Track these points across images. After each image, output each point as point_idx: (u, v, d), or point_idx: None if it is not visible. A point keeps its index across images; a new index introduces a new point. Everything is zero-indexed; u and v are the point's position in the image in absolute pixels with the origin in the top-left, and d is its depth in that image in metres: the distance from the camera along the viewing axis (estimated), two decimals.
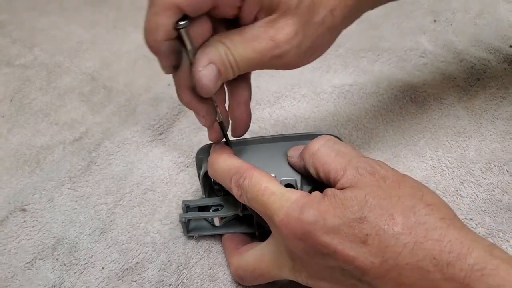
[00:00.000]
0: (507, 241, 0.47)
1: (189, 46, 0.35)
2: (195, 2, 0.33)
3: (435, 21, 0.74)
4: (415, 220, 0.32)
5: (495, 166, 0.53)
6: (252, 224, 0.45)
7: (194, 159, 0.53)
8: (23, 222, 0.49)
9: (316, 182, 0.40)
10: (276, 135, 0.45)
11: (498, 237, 0.47)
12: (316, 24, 0.37)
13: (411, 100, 0.61)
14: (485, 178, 0.52)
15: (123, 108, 0.61)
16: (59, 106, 0.62)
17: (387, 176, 0.35)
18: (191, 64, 0.35)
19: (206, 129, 0.51)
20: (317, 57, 0.40)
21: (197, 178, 0.48)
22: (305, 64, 0.39)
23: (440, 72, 0.66)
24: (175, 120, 0.58)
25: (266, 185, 0.37)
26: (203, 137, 0.56)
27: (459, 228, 0.33)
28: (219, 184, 0.43)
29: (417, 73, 0.65)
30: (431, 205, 0.34)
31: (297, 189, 0.41)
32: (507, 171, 0.53)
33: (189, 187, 0.52)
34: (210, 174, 0.42)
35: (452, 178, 0.52)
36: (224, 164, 0.40)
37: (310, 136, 0.44)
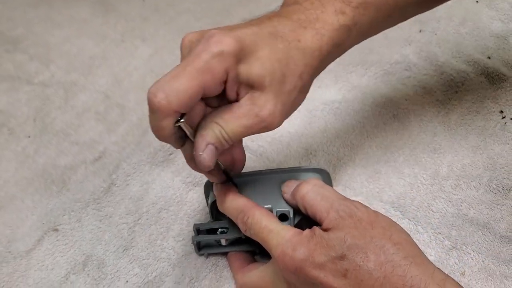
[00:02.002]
0: (469, 253, 0.55)
1: (188, 132, 0.43)
2: (188, 103, 0.39)
3: (420, 31, 0.80)
4: (384, 258, 0.41)
5: (464, 182, 0.61)
6: (253, 243, 0.53)
7: (201, 178, 0.61)
8: (56, 241, 0.57)
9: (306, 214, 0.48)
10: (271, 169, 0.53)
11: (461, 250, 0.55)
12: (289, 91, 0.43)
13: (394, 116, 0.68)
14: (454, 194, 0.60)
15: (135, 127, 0.68)
16: (78, 125, 0.69)
17: (363, 218, 0.43)
18: (193, 142, 0.43)
19: None
20: (289, 115, 0.46)
21: (204, 197, 0.56)
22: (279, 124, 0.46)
23: (421, 85, 0.72)
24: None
25: (265, 224, 0.45)
26: None
27: (419, 264, 0.41)
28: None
29: (401, 87, 0.72)
30: (398, 244, 0.42)
31: (290, 218, 0.49)
32: (474, 187, 0.60)
33: (197, 205, 0.60)
34: (220, 210, 0.50)
35: (426, 194, 0.60)
36: (231, 204, 0.49)
37: (302, 171, 0.53)
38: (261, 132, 0.45)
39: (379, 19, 0.49)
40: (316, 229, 0.43)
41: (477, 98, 0.70)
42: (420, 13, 0.56)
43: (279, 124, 0.44)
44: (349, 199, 0.46)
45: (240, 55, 0.40)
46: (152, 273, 0.55)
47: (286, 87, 0.43)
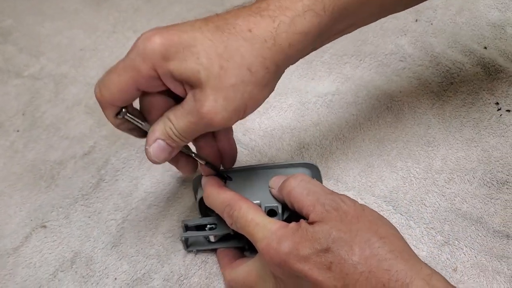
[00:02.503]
0: (461, 249, 0.54)
1: (140, 125, 0.45)
2: (120, 97, 0.42)
3: (416, 20, 0.78)
4: (369, 252, 0.40)
5: (457, 176, 0.60)
6: (242, 239, 0.52)
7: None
8: (44, 237, 0.57)
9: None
10: (261, 164, 0.52)
11: (454, 245, 0.55)
12: (234, 86, 0.41)
13: (387, 108, 0.67)
14: (448, 188, 0.59)
15: None
16: (68, 119, 0.68)
17: (349, 211, 0.43)
18: None
19: None
20: (254, 109, 0.44)
21: (194, 194, 0.55)
22: (245, 117, 0.44)
23: (416, 76, 0.71)
24: None
25: (252, 217, 0.45)
26: None
27: (406, 259, 0.40)
28: None
29: (395, 78, 0.71)
30: (384, 238, 0.41)
31: (278, 213, 0.48)
32: (468, 181, 0.59)
33: (188, 201, 0.59)
34: (207, 204, 0.49)
35: (419, 188, 0.59)
36: (218, 197, 0.48)
37: (291, 166, 0.52)
38: (211, 130, 0.44)
39: (354, 4, 0.44)
40: (302, 222, 0.43)
41: (473, 90, 0.68)
42: (400, 9, 0.53)
43: (225, 120, 0.41)
44: (336, 193, 0.45)
45: (169, 53, 0.40)
46: (140, 270, 0.54)
47: (228, 81, 0.40)
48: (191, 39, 0.40)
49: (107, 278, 0.54)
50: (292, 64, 0.45)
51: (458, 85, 0.69)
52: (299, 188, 0.45)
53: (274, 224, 0.44)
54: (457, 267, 0.53)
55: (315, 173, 0.53)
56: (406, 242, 0.43)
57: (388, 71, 0.72)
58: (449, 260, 0.54)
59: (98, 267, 0.54)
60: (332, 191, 0.45)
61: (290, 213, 0.49)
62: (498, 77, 0.69)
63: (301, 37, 0.42)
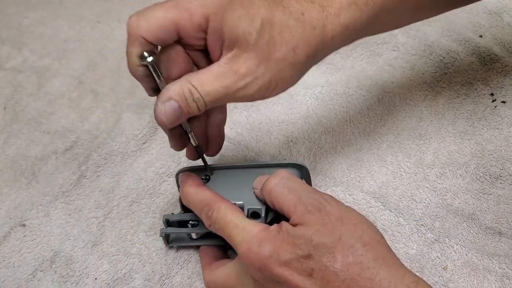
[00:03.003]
0: (452, 246, 0.53)
1: (157, 79, 0.40)
2: (156, 33, 0.38)
3: None
4: (352, 259, 0.38)
5: (449, 170, 0.58)
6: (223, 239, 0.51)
7: (175, 168, 0.59)
8: (24, 236, 0.55)
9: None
10: (246, 163, 0.50)
11: (444, 243, 0.53)
12: (277, 60, 0.41)
13: (379, 100, 0.65)
14: (439, 183, 0.57)
15: (109, 114, 0.66)
16: (50, 113, 0.66)
17: (332, 213, 0.41)
18: None
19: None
20: (281, 91, 0.44)
21: (177, 188, 0.54)
22: (270, 96, 0.44)
23: (409, 67, 0.69)
24: (157, 127, 0.63)
25: (231, 218, 0.43)
26: None
27: (389, 266, 0.39)
28: None
29: (388, 69, 0.69)
30: (367, 244, 0.39)
31: (262, 216, 0.46)
32: (460, 175, 0.58)
33: (171, 197, 0.57)
34: (184, 203, 0.48)
35: (409, 183, 0.57)
36: (196, 196, 0.46)
37: (278, 166, 0.50)
38: (240, 100, 0.42)
39: (398, 4, 0.45)
40: (283, 224, 0.41)
41: (467, 80, 0.66)
42: (450, 9, 0.53)
43: (259, 91, 0.41)
44: (319, 191, 0.43)
45: (228, 6, 0.39)
46: (121, 269, 0.53)
47: (274, 55, 0.40)
48: (249, 0, 0.40)
49: (87, 278, 0.52)
50: (323, 57, 0.44)
51: (452, 75, 0.67)
52: (279, 186, 0.43)
53: (255, 227, 0.42)
54: (447, 265, 0.51)
55: (304, 174, 0.51)
56: (389, 248, 0.41)
57: (380, 61, 0.70)
58: (439, 258, 0.52)
59: (78, 266, 0.53)
60: (314, 189, 0.43)
61: (275, 215, 0.47)
62: (493, 67, 0.67)
63: (342, 29, 0.42)
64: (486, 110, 0.63)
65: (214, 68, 0.40)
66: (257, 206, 0.47)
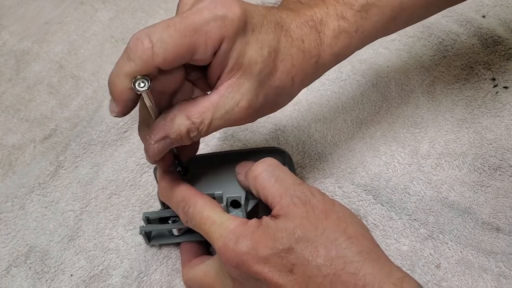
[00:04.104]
0: (446, 243, 0.50)
1: (151, 107, 0.37)
2: (173, 61, 0.35)
3: None
4: (335, 253, 0.36)
5: (445, 161, 0.55)
6: None
7: None
8: None
9: None
10: (228, 150, 0.48)
11: (438, 239, 0.50)
12: (276, 88, 0.41)
13: (373, 85, 0.62)
14: (434, 175, 0.54)
15: (90, 101, 0.63)
16: (28, 100, 0.63)
17: (317, 206, 0.39)
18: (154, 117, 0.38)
19: None
20: (270, 113, 0.44)
21: (157, 183, 0.51)
22: (253, 120, 0.43)
23: (406, 49, 0.65)
24: None
25: (208, 214, 0.41)
26: None
27: (374, 261, 0.36)
28: None
29: (383, 51, 0.65)
30: (352, 237, 0.37)
31: (242, 204, 0.44)
32: (457, 167, 0.55)
33: (151, 189, 0.55)
34: (161, 199, 0.45)
35: (403, 175, 0.54)
36: (172, 191, 0.44)
37: (259, 152, 0.47)
38: (234, 125, 0.41)
39: (383, 23, 0.45)
40: (264, 218, 0.39)
41: (467, 64, 0.63)
42: (428, 16, 0.51)
43: (253, 118, 0.41)
44: (306, 184, 0.40)
45: (242, 28, 0.37)
46: (98, 266, 0.50)
47: (275, 83, 0.40)
48: (259, 23, 0.38)
49: (62, 274, 0.50)
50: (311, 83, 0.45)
51: (452, 58, 0.63)
52: (266, 173, 0.41)
53: (233, 222, 0.39)
54: (440, 263, 0.49)
55: (287, 161, 0.48)
56: (375, 242, 0.38)
57: (376, 43, 0.65)
58: (432, 255, 0.49)
59: (53, 262, 0.51)
60: (302, 181, 0.41)
61: (257, 203, 0.44)
62: (496, 50, 0.63)
63: (333, 58, 0.43)
64: (486, 96, 0.60)
65: (214, 98, 0.38)
66: (237, 194, 0.44)
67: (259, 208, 0.45)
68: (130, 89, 0.35)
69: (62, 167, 0.56)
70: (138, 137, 0.57)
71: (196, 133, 0.38)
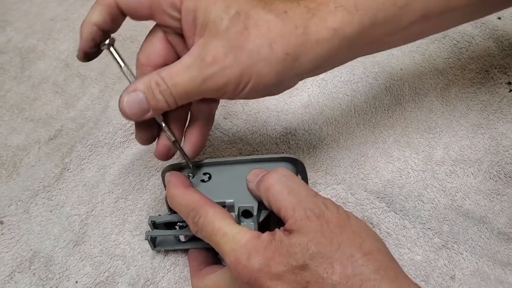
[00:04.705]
0: (461, 253, 0.49)
1: (121, 63, 0.40)
2: (129, 4, 0.39)
3: None
4: (351, 270, 0.35)
5: (460, 168, 0.54)
6: None
7: (165, 162, 0.54)
8: (1, 234, 0.51)
9: None
10: (239, 157, 0.46)
11: (453, 249, 0.49)
12: (249, 51, 0.38)
13: (386, 89, 0.60)
14: (449, 182, 0.53)
15: (96, 101, 0.61)
16: (33, 99, 0.62)
17: (331, 220, 0.37)
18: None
19: None
20: (260, 91, 0.41)
21: (164, 187, 0.50)
22: (246, 96, 0.40)
23: (420, 51, 0.64)
24: None
25: (219, 225, 0.39)
26: None
27: (392, 279, 0.35)
28: None
29: (397, 54, 0.64)
30: (368, 254, 0.36)
31: (254, 215, 0.42)
32: (472, 174, 0.53)
33: (159, 193, 0.53)
34: (170, 206, 0.44)
35: (416, 182, 0.53)
36: (182, 199, 0.42)
37: (272, 160, 0.45)
38: (209, 94, 0.39)
39: (389, 5, 0.41)
40: (276, 232, 0.37)
41: (482, 68, 0.61)
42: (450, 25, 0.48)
43: (230, 85, 0.39)
44: (320, 196, 0.39)
45: None
46: (104, 272, 0.49)
47: (246, 45, 0.38)
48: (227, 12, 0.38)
49: (67, 281, 0.49)
50: (310, 63, 0.40)
51: (467, 61, 0.62)
52: (279, 185, 0.39)
53: (245, 235, 0.38)
54: (455, 274, 0.48)
55: (300, 169, 0.47)
56: (392, 258, 0.37)
57: None
58: (446, 266, 0.48)
59: (58, 268, 0.49)
60: (316, 193, 0.39)
61: (268, 214, 0.43)
62: None
63: (330, 34, 0.40)
64: (502, 101, 0.58)
65: (185, 58, 0.39)
66: (249, 203, 0.42)
67: (271, 219, 0.43)
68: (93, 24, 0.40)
69: (68, 170, 0.55)
70: None
71: (165, 87, 0.38)
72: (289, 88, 0.43)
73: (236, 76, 0.39)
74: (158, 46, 0.42)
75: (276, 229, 0.38)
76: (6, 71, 0.65)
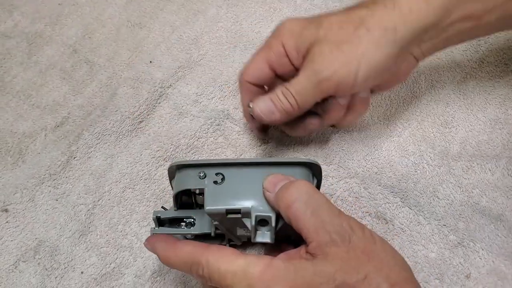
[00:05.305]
0: (477, 251, 0.47)
1: None
2: (253, 76, 0.49)
3: None
4: None
5: (477, 164, 0.52)
6: (224, 239, 0.46)
7: (173, 152, 0.53)
8: (6, 223, 0.50)
9: None
10: (255, 159, 0.44)
11: (468, 247, 0.47)
12: (347, 42, 0.45)
13: None
14: (465, 178, 0.51)
15: (104, 88, 0.60)
16: (40, 85, 0.61)
17: (358, 245, 0.35)
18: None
19: (186, 116, 0.56)
20: (372, 75, 0.45)
21: (170, 183, 0.48)
22: (365, 85, 0.46)
23: None
24: (156, 105, 0.57)
25: (225, 267, 0.36)
26: (183, 125, 0.56)
27: None
28: (192, 198, 0.44)
29: None
30: (395, 285, 0.34)
31: (271, 226, 0.40)
32: (489, 170, 0.52)
33: (167, 184, 0.52)
34: (168, 266, 0.41)
35: (432, 177, 0.52)
36: (177, 258, 0.39)
37: (290, 164, 0.42)
38: (325, 88, 0.45)
39: None
40: (295, 257, 0.36)
41: (501, 60, 0.59)
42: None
43: (337, 75, 0.44)
44: (344, 214, 0.37)
45: (296, 30, 0.46)
46: (110, 263, 0.48)
47: (341, 36, 0.44)
48: (320, 25, 0.45)
49: (73, 271, 0.48)
50: (422, 42, 0.45)
51: (485, 54, 0.60)
52: (301, 203, 0.37)
53: (256, 266, 0.35)
54: (470, 273, 0.46)
55: (316, 172, 0.44)
56: (419, 285, 0.35)
57: None
58: (462, 264, 0.47)
59: (63, 258, 0.48)
60: (339, 211, 0.37)
61: (285, 222, 0.40)
62: None
63: (420, 1, 0.43)
64: None
65: (298, 72, 0.46)
66: (266, 212, 0.40)
67: (288, 226, 0.41)
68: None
69: (74, 158, 0.54)
70: (154, 128, 0.55)
71: (286, 90, 0.46)
72: (408, 72, 0.48)
73: (344, 64, 0.43)
74: (262, 68, 0.48)
75: (293, 251, 0.36)
76: (13, 56, 0.64)
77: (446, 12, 0.44)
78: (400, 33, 0.43)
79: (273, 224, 0.39)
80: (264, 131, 0.53)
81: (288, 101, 0.45)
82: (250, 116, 0.49)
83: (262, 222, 0.40)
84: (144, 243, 0.41)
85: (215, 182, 0.41)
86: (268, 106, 0.46)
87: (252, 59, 0.48)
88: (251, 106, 0.46)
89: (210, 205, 0.40)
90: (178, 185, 0.43)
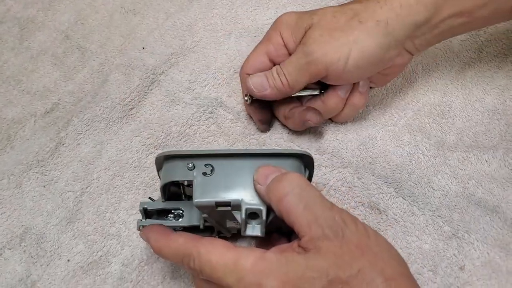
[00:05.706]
0: (471, 243, 0.46)
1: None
2: (253, 66, 0.50)
3: None
4: None
5: (474, 155, 0.51)
6: (213, 231, 0.45)
7: (164, 140, 0.52)
8: None
9: None
10: (246, 150, 0.42)
11: (463, 238, 0.47)
12: (341, 29, 0.46)
13: None
14: (461, 169, 0.50)
15: (95, 74, 0.59)
16: (31, 71, 0.60)
17: (351, 240, 0.34)
18: None
19: (178, 104, 0.55)
20: (363, 62, 0.47)
21: (157, 174, 0.47)
22: (354, 72, 0.47)
23: None
24: (147, 92, 0.56)
25: (216, 259, 0.35)
26: (175, 112, 0.55)
27: None
28: (180, 188, 0.43)
29: None
30: (390, 279, 0.33)
31: (262, 219, 0.39)
32: (486, 161, 0.51)
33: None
34: (161, 257, 0.41)
35: (427, 168, 0.51)
36: (170, 249, 0.38)
37: (281, 155, 0.41)
38: (316, 71, 0.46)
39: None
40: (287, 249, 0.35)
41: (501, 51, 0.58)
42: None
43: (328, 58, 0.45)
44: (336, 207, 0.36)
45: (293, 20, 0.48)
46: (97, 252, 0.47)
47: (335, 24, 0.46)
48: (314, 14, 0.48)
49: (59, 259, 0.47)
50: (412, 38, 0.46)
51: (484, 44, 0.59)
52: (293, 197, 0.36)
53: (247, 258, 0.34)
54: (465, 265, 0.45)
55: (308, 163, 0.43)
56: (415, 283, 0.35)
57: None
58: (456, 256, 0.46)
59: (49, 246, 0.48)
60: (332, 204, 0.36)
61: (275, 215, 0.39)
62: None
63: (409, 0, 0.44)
64: None
65: (293, 54, 0.48)
66: (257, 205, 0.39)
67: (279, 219, 0.40)
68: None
69: (63, 144, 0.53)
70: (145, 115, 0.54)
71: (280, 70, 0.47)
72: (403, 66, 0.49)
73: (335, 50, 0.45)
74: (261, 60, 0.50)
75: (286, 247, 0.35)
76: (4, 41, 0.63)
77: (437, 9, 0.44)
78: (391, 26, 0.45)
79: (264, 217, 0.38)
80: (267, 123, 0.52)
81: (280, 80, 0.47)
82: (253, 108, 0.51)
83: (252, 215, 0.39)
84: (139, 233, 0.41)
85: (204, 174, 0.40)
86: (261, 81, 0.48)
87: (252, 52, 0.50)
88: (247, 81, 0.48)
89: (199, 198, 0.39)
90: (165, 176, 0.42)
